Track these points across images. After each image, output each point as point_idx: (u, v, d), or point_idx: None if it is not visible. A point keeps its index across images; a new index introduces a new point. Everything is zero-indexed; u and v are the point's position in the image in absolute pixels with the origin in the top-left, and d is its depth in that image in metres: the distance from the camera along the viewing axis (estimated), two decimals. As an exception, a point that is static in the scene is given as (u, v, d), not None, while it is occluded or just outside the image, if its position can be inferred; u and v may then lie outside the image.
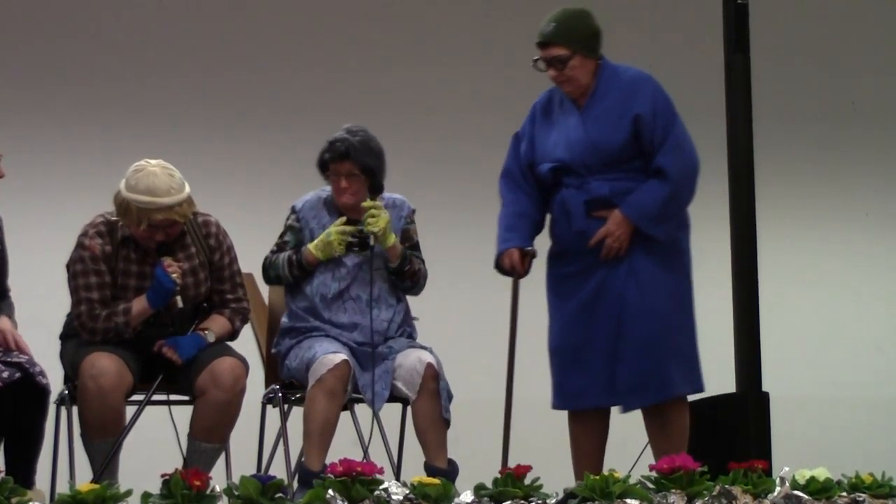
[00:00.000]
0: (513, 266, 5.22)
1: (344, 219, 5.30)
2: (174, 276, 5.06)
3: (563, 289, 5.20)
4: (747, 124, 6.14)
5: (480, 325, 7.72)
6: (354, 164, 5.28)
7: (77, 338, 5.11)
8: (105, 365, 4.92)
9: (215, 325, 5.21)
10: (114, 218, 5.14)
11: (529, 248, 5.23)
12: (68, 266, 5.17)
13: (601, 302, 5.10)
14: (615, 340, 5.06)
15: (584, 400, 5.13)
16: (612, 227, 5.06)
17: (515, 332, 5.35)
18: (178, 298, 5.09)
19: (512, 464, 4.35)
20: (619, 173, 5.11)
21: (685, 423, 5.15)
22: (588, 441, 5.19)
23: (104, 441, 4.94)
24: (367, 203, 5.27)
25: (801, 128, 8.66)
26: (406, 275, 5.37)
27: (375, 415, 5.21)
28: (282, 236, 5.41)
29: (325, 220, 5.36)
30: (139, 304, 5.09)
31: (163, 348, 5.06)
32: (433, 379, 5.19)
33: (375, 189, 5.33)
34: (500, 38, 8.11)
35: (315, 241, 5.28)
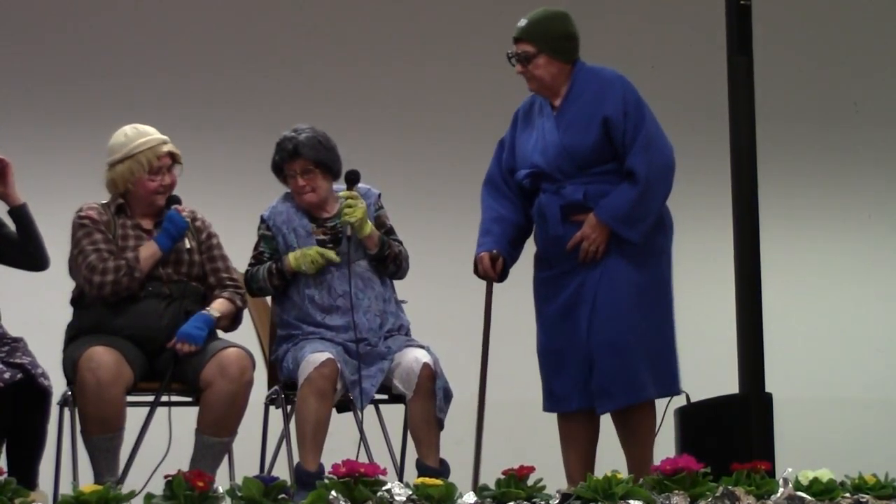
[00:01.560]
0: (485, 272, 5.27)
1: (321, 251, 5.30)
2: (187, 217, 5.23)
3: (544, 292, 5.24)
4: (750, 125, 6.12)
5: (481, 325, 7.72)
6: (307, 160, 5.34)
7: (77, 340, 5.10)
8: (103, 359, 4.92)
9: (217, 305, 5.26)
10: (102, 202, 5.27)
11: (495, 252, 5.24)
12: (70, 250, 5.19)
13: (579, 305, 5.11)
14: (589, 342, 5.07)
15: (567, 403, 5.15)
16: (588, 231, 5.08)
17: (489, 334, 5.37)
18: (187, 239, 5.23)
19: (512, 465, 4.34)
20: (593, 177, 5.12)
21: (651, 424, 5.16)
22: (576, 442, 5.20)
23: (103, 437, 4.92)
24: (345, 193, 5.32)
25: (803, 129, 8.65)
26: (388, 260, 5.40)
27: (359, 412, 5.21)
28: (256, 248, 5.45)
29: (295, 223, 5.40)
30: (148, 247, 5.18)
31: (177, 346, 5.07)
32: (429, 379, 5.21)
33: (350, 180, 5.35)
34: (501, 38, 8.11)
35: (295, 252, 5.31)
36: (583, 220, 5.10)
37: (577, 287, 5.12)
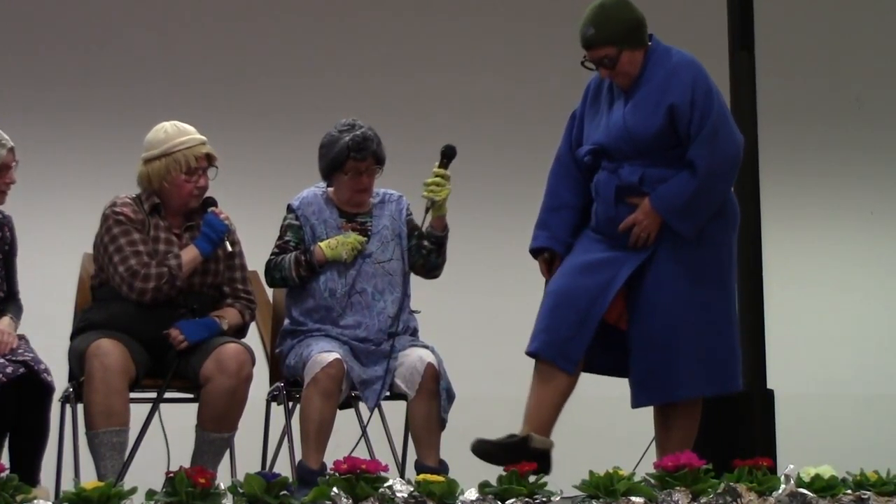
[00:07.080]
0: (543, 274, 5.19)
1: (361, 238, 5.31)
2: (225, 220, 5.18)
3: (584, 244, 5.10)
4: (752, 121, 6.13)
5: (486, 323, 7.74)
6: (375, 160, 5.32)
7: (85, 332, 5.09)
8: (111, 349, 4.91)
9: (228, 315, 5.23)
10: (134, 195, 5.21)
11: (547, 256, 5.15)
12: (99, 240, 5.15)
13: (610, 275, 4.97)
14: (630, 328, 5.00)
15: (544, 350, 4.94)
16: (640, 217, 4.97)
17: None
18: (228, 243, 5.19)
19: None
20: (653, 160, 4.99)
21: (692, 424, 5.09)
22: (548, 389, 4.97)
23: (110, 430, 4.89)
24: (438, 171, 5.29)
25: (805, 125, 8.66)
26: (443, 247, 5.39)
27: (368, 411, 5.23)
28: (281, 237, 5.41)
29: (326, 215, 5.37)
30: (189, 252, 5.13)
31: (172, 334, 5.06)
32: (433, 379, 5.19)
33: (449, 157, 5.33)
34: (508, 42, 8.12)
35: (329, 241, 5.29)
36: (636, 203, 4.99)
37: (618, 259, 4.99)
